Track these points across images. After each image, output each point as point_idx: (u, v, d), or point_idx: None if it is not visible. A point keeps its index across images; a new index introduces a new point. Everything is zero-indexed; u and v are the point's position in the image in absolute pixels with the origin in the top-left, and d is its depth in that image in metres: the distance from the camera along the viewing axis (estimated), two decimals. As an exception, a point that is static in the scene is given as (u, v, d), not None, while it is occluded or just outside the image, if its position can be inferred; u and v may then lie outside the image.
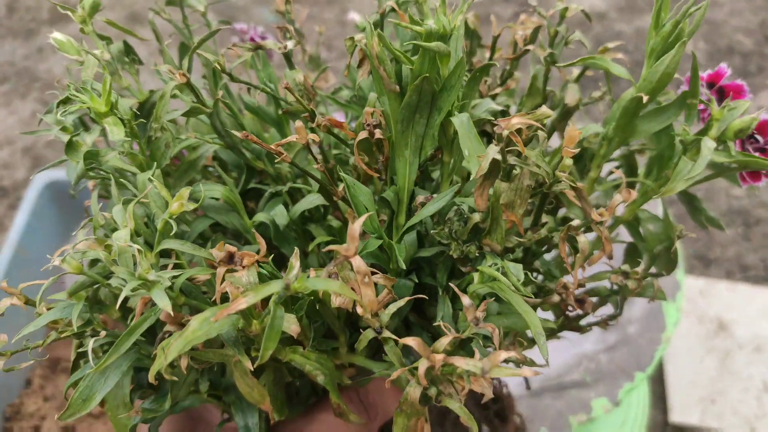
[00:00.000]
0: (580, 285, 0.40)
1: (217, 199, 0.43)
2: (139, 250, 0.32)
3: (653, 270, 0.42)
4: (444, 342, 0.30)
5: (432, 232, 0.39)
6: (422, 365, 0.29)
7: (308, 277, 0.30)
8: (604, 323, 0.44)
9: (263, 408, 0.39)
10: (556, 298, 0.38)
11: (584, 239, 0.34)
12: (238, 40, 0.49)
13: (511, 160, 0.34)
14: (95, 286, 0.36)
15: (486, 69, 0.37)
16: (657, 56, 0.35)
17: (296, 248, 0.32)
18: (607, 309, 0.47)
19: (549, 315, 0.48)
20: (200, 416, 0.46)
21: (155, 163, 0.37)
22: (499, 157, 0.34)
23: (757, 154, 0.38)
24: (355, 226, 0.31)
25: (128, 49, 0.44)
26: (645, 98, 0.33)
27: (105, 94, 0.35)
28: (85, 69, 0.37)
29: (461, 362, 0.29)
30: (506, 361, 0.40)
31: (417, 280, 0.41)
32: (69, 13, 0.42)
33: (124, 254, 0.33)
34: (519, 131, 0.34)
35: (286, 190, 0.44)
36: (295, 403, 0.45)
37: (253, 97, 0.44)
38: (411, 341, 0.30)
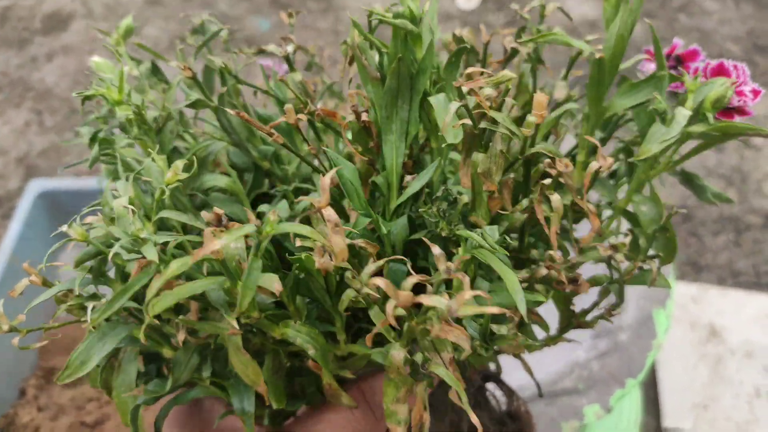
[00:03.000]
0: (573, 266, 0.40)
1: (224, 192, 0.46)
2: (132, 211, 0.35)
3: (651, 253, 0.41)
4: (410, 281, 0.30)
5: (420, 210, 0.40)
6: (389, 304, 0.30)
7: (279, 222, 0.32)
8: (607, 313, 0.43)
9: (258, 390, 0.40)
10: (543, 271, 0.37)
11: (557, 197, 0.34)
12: (267, 66, 0.54)
13: (482, 124, 0.35)
14: (99, 257, 0.38)
15: (460, 53, 0.39)
16: (610, 23, 0.36)
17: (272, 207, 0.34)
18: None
19: (554, 314, 0.47)
20: (207, 411, 0.47)
21: (159, 146, 0.40)
22: (469, 122, 0.35)
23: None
24: (326, 179, 0.33)
25: (155, 69, 0.49)
26: (598, 54, 0.35)
27: (120, 84, 0.40)
28: (105, 70, 0.42)
29: (427, 300, 0.29)
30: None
31: (411, 264, 0.41)
32: (107, 37, 0.48)
33: (123, 218, 0.36)
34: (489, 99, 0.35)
35: (291, 189, 0.47)
36: (300, 399, 0.46)
37: (263, 106, 0.48)
38: (379, 281, 0.30)
